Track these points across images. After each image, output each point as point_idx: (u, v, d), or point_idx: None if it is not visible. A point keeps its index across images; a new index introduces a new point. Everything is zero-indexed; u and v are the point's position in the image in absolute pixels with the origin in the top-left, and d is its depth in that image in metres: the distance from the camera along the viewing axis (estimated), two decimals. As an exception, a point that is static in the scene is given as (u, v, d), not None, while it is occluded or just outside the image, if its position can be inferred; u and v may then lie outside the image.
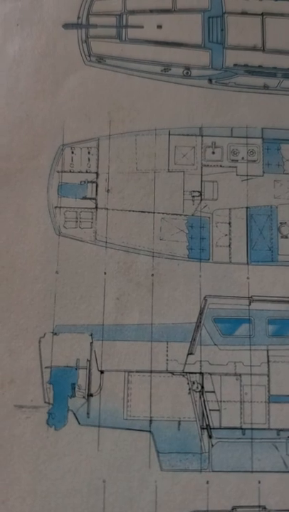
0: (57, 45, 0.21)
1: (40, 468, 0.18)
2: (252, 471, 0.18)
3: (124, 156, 0.20)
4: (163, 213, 0.19)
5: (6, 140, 0.20)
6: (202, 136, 0.20)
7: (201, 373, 0.18)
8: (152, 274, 0.19)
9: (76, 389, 0.18)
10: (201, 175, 0.20)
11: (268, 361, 0.18)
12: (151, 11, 0.21)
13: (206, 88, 0.20)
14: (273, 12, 0.21)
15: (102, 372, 0.18)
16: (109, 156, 0.20)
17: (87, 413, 0.18)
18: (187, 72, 0.20)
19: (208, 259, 0.19)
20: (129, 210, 0.19)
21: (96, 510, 0.18)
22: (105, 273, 0.19)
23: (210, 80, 0.20)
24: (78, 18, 0.21)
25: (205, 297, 0.19)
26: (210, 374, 0.18)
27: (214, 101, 0.20)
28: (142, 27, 0.21)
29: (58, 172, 0.20)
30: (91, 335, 0.18)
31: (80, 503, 0.18)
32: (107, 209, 0.19)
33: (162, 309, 0.19)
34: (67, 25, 0.21)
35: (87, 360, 0.18)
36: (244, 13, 0.21)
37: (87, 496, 0.18)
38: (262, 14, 0.21)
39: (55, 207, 0.19)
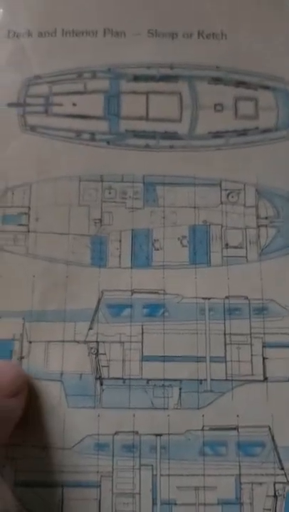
0: (2, 119, 0.30)
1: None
2: (129, 408, 0.26)
3: (47, 195, 0.28)
4: (74, 234, 0.28)
5: None
6: (102, 181, 0.29)
7: (97, 342, 0.27)
8: (67, 276, 0.28)
9: (12, 353, 0.27)
10: (101, 208, 0.29)
11: (142, 332, 0.27)
12: (68, 93, 0.30)
13: (106, 148, 0.29)
14: (155, 90, 0.30)
15: (30, 342, 0.27)
16: (38, 195, 0.28)
17: (19, 369, 0.27)
18: (92, 137, 0.29)
19: (105, 265, 0.28)
20: (52, 232, 0.28)
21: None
22: (34, 276, 0.28)
23: (108, 142, 0.29)
24: (18, 98, 0.30)
25: (102, 291, 0.28)
26: (103, 342, 0.27)
27: (111, 157, 0.29)
28: (61, 105, 0.30)
29: (2, 207, 0.28)
30: (23, 318, 0.27)
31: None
32: (36, 232, 0.28)
33: (72, 300, 0.27)
34: (10, 104, 0.30)
35: (20, 334, 0.27)
36: (134, 92, 0.30)
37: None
38: (147, 93, 0.30)
39: (1, 231, 0.28)
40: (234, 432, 0.26)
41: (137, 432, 0.26)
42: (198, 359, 0.26)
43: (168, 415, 0.26)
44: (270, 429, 0.26)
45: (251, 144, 0.29)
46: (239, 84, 0.30)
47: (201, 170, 0.29)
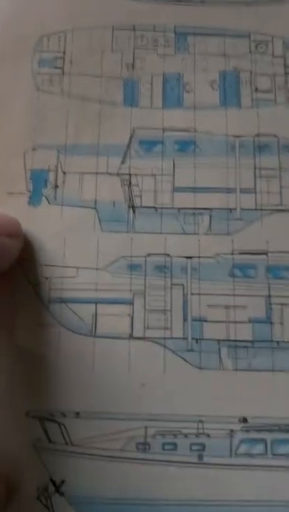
0: None
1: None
2: (161, 233, 0.27)
3: (82, 42, 0.29)
4: (107, 77, 0.29)
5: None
6: (134, 30, 0.29)
7: (129, 174, 0.28)
8: (100, 114, 0.28)
9: (48, 183, 0.27)
10: (134, 54, 0.29)
11: (174, 166, 0.28)
12: None
13: (139, 1, 0.30)
14: None
15: (64, 173, 0.28)
16: (72, 42, 0.29)
17: (54, 197, 0.27)
18: None
19: (137, 105, 0.28)
20: (86, 75, 0.29)
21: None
22: (68, 112, 0.28)
23: None
24: None
25: (134, 128, 0.28)
26: (136, 175, 0.28)
27: (144, 10, 0.30)
28: None
29: (38, 52, 0.29)
30: (57, 150, 0.28)
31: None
32: (70, 74, 0.29)
33: (105, 136, 0.28)
34: None
35: (55, 165, 0.28)
36: None
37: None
38: None
39: (37, 73, 0.29)
40: (263, 257, 0.26)
41: (168, 255, 0.27)
42: (229, 190, 0.27)
43: (198, 240, 0.27)
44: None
45: (280, 1, 0.30)
46: None
47: (231, 23, 0.30)
